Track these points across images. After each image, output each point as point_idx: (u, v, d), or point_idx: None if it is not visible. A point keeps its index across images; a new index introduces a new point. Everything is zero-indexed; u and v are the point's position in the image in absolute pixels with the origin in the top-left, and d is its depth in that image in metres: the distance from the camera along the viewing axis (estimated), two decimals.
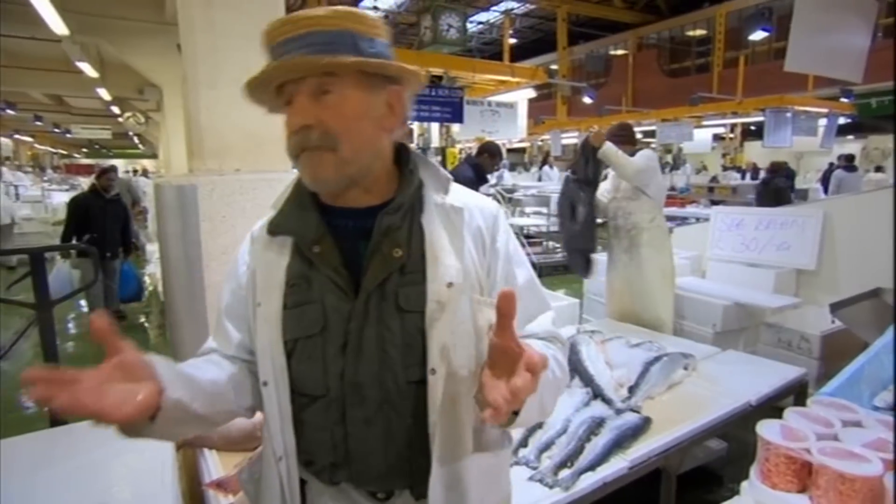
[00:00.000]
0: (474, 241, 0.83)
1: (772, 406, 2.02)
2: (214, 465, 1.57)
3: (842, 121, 11.64)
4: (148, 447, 1.45)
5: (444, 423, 0.78)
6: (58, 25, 5.12)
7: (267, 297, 0.81)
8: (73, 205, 4.85)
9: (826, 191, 9.26)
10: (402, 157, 0.84)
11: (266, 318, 0.81)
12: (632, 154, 3.00)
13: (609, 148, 2.89)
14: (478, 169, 4.17)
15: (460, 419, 0.80)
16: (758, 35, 8.69)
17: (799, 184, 10.66)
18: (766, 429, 1.13)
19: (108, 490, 1.29)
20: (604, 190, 3.23)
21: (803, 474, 1.07)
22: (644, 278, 3.01)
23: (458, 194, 0.86)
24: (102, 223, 4.81)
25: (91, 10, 5.65)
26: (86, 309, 5.42)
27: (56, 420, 1.79)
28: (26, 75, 9.43)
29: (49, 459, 1.42)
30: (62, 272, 4.57)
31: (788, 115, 9.69)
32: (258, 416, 0.88)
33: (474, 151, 4.88)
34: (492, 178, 9.94)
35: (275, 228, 0.83)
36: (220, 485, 1.46)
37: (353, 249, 0.79)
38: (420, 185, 0.83)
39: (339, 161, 0.74)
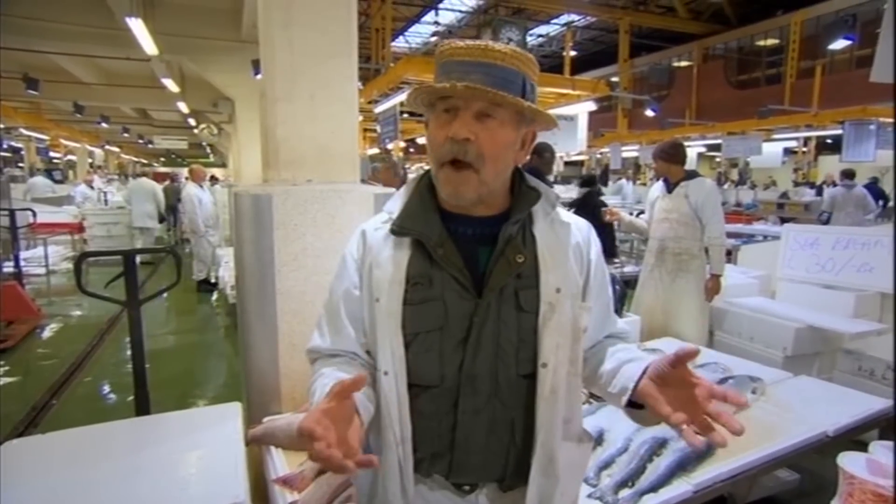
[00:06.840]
0: (574, 252, 0.93)
1: (851, 439, 1.89)
2: (280, 463, 1.64)
3: None
4: (221, 442, 1.55)
5: (545, 412, 0.87)
6: (150, 47, 5.63)
7: (387, 293, 0.87)
8: None
9: None
10: (516, 176, 0.94)
11: (388, 313, 0.87)
12: (684, 176, 3.20)
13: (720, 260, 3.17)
14: (535, 173, 4.20)
15: (557, 409, 0.89)
16: (839, 44, 8.20)
17: None
18: (850, 462, 1.07)
19: (185, 479, 1.38)
20: (650, 206, 3.40)
21: None
22: (683, 303, 3.19)
23: (562, 211, 0.96)
24: None
25: (178, 32, 6.16)
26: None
27: (141, 410, 1.93)
28: (119, 92, 10.33)
29: (134, 447, 1.53)
30: None
31: (872, 127, 9.00)
32: None
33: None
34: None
35: (399, 230, 0.89)
36: (286, 481, 1.52)
37: (472, 253, 0.88)
38: (533, 201, 0.91)
39: (479, 182, 0.84)
